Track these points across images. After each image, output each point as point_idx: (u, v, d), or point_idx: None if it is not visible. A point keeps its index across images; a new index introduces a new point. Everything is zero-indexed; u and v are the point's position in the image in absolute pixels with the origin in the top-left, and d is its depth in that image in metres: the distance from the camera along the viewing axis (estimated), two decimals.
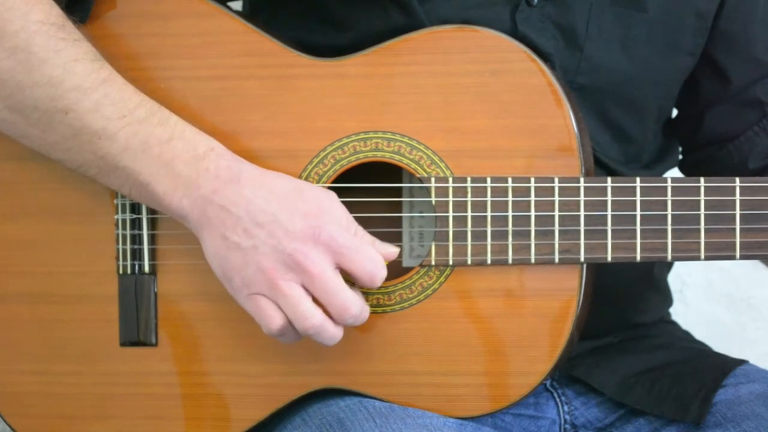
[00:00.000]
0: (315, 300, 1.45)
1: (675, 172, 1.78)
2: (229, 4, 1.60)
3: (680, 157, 1.80)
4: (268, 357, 1.54)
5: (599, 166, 1.61)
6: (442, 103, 1.51)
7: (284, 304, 1.45)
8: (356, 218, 1.49)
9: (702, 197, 1.49)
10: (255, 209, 1.45)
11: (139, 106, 1.48)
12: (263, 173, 1.48)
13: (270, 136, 1.53)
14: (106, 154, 1.47)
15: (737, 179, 1.48)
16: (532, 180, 1.49)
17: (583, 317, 1.53)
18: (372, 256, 1.46)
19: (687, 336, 1.81)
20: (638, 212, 1.49)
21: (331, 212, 1.46)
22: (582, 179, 1.49)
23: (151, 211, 1.55)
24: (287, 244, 1.44)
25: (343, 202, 1.48)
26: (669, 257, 1.49)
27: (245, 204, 1.45)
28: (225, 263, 1.47)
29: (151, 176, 1.47)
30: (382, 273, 1.47)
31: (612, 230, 1.49)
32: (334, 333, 1.47)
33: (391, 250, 1.49)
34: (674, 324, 1.82)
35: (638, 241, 1.49)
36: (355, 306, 1.46)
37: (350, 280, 1.48)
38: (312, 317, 1.45)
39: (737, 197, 1.49)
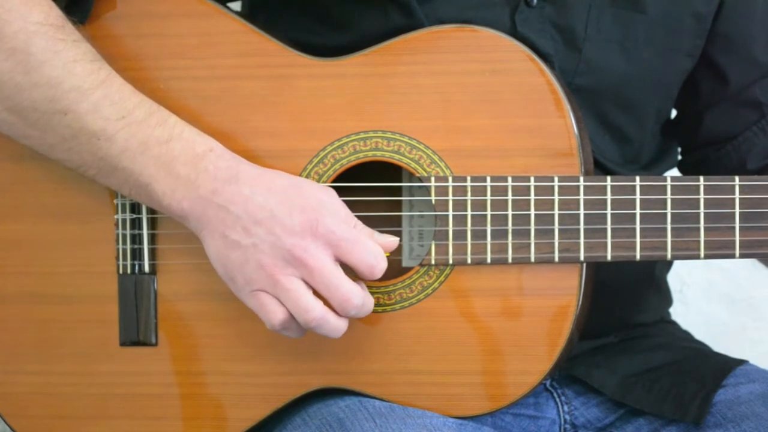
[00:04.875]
0: (317, 294, 1.45)
1: (674, 173, 1.77)
2: (229, 4, 1.60)
3: (679, 157, 1.80)
4: (268, 356, 1.54)
5: (597, 167, 1.61)
6: (442, 103, 1.51)
7: (285, 298, 1.45)
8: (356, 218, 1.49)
9: (701, 196, 1.49)
10: (253, 207, 1.45)
11: (138, 107, 1.48)
12: (262, 172, 1.48)
13: (270, 136, 1.53)
14: (106, 155, 1.47)
15: (737, 178, 1.48)
16: (532, 179, 1.49)
17: (582, 317, 1.53)
18: (371, 248, 1.46)
19: (687, 336, 1.81)
20: (638, 211, 1.49)
21: (329, 206, 1.46)
22: (582, 178, 1.49)
23: (151, 211, 1.55)
24: (286, 239, 1.44)
25: (343, 201, 1.48)
26: (668, 256, 1.49)
27: (243, 202, 1.45)
28: (227, 262, 1.47)
29: (151, 177, 1.47)
30: (382, 264, 1.46)
31: (612, 229, 1.49)
32: (336, 325, 1.47)
33: (391, 240, 1.48)
34: (674, 324, 1.82)
35: (638, 239, 1.49)
36: (357, 297, 1.46)
37: (353, 274, 1.47)
38: (313, 310, 1.45)
39: (737, 196, 1.49)
